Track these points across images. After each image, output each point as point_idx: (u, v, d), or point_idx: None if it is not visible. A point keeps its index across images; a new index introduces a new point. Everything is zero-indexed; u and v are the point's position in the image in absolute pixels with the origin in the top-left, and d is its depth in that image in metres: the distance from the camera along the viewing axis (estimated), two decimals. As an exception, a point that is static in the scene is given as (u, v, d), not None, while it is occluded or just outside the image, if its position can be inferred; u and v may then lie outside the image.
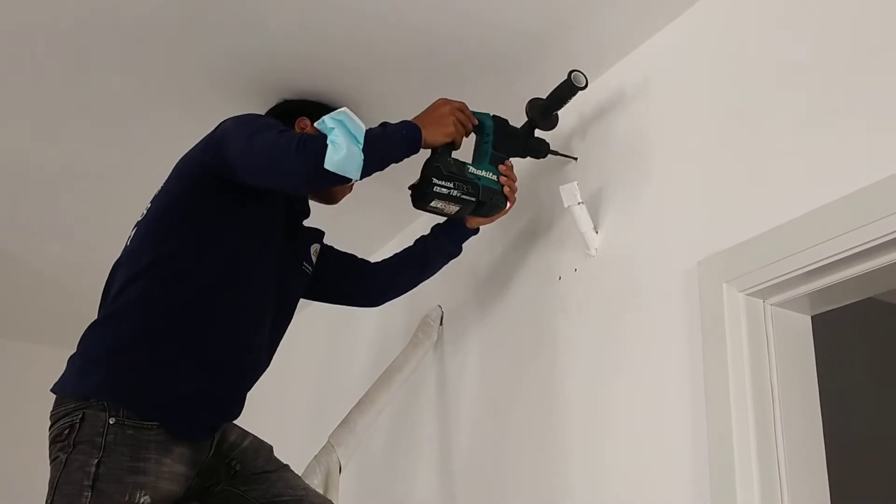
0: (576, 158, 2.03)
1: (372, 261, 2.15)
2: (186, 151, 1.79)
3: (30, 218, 2.82)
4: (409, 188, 1.84)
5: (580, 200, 1.84)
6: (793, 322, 1.57)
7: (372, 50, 1.96)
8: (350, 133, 1.58)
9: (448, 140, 1.79)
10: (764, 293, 1.53)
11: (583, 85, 1.82)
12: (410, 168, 1.79)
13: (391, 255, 2.13)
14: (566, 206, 1.85)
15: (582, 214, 1.86)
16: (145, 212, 1.77)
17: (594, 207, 1.90)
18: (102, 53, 2.01)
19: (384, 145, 1.66)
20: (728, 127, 1.65)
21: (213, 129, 1.76)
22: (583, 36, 1.89)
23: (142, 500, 1.54)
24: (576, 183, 1.84)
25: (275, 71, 2.03)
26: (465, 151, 1.87)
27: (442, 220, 2.02)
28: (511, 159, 1.92)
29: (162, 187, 1.79)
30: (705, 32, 1.76)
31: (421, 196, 1.81)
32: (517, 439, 2.02)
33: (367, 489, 2.54)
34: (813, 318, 1.60)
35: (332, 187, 1.78)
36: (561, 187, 1.85)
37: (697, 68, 1.76)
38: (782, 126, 1.54)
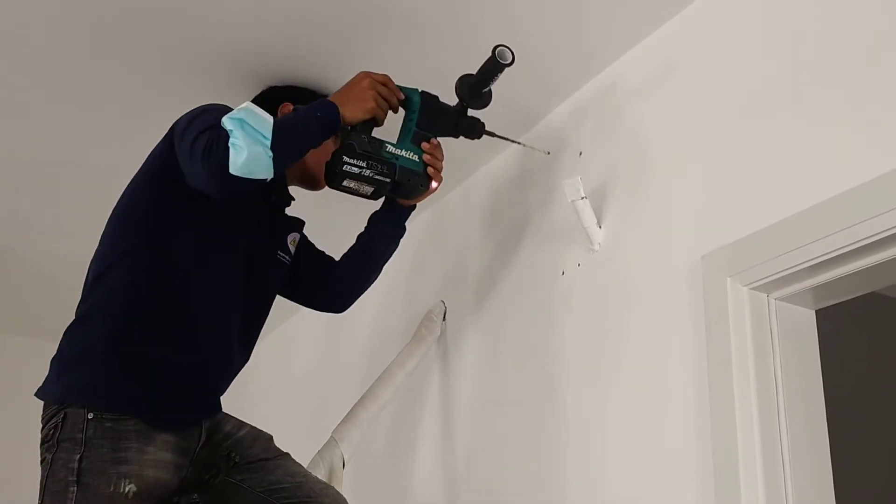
0: (520, 143, 1.95)
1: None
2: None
3: (31, 216, 2.82)
4: (325, 165, 1.75)
5: (583, 195, 1.84)
6: (797, 316, 1.57)
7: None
8: (254, 130, 1.50)
9: (368, 116, 1.69)
10: (768, 287, 1.53)
11: (508, 61, 1.69)
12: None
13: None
14: (569, 200, 1.85)
15: (585, 209, 1.86)
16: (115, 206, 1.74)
17: (597, 202, 1.90)
18: (103, 53, 2.01)
19: (295, 134, 1.59)
20: (731, 121, 1.65)
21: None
22: (584, 32, 1.89)
23: (127, 488, 1.53)
24: (579, 178, 1.84)
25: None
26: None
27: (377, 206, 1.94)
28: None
29: (130, 180, 1.75)
30: (707, 29, 1.76)
31: (332, 175, 1.71)
32: (518, 435, 2.02)
33: (369, 484, 2.54)
34: (816, 312, 1.60)
35: (249, 189, 1.56)
36: (564, 182, 1.85)
37: (699, 63, 1.76)
38: (786, 120, 1.54)
